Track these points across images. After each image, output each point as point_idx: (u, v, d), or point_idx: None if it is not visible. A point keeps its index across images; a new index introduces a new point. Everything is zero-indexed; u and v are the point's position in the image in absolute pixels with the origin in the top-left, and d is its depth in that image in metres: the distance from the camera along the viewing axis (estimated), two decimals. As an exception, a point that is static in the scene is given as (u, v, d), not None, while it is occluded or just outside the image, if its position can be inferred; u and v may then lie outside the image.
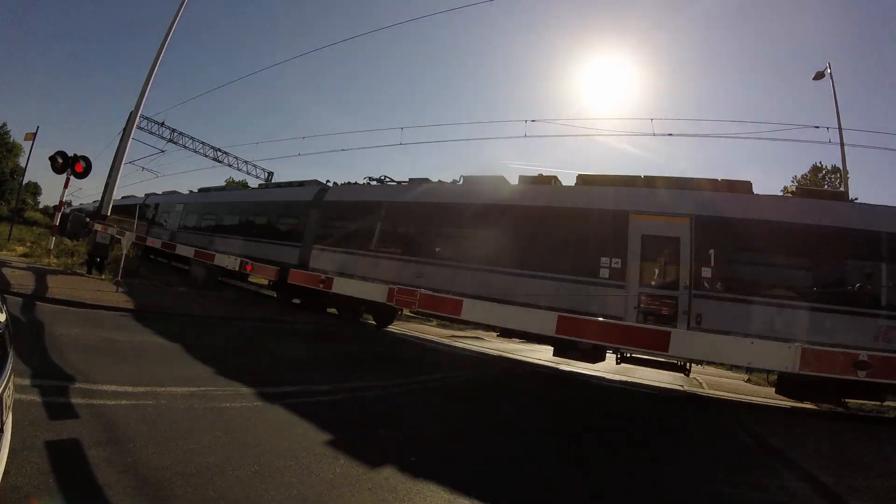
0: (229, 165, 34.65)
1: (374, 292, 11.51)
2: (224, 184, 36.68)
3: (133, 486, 2.69)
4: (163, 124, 30.72)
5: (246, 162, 34.89)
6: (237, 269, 13.31)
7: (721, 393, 14.17)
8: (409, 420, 5.63)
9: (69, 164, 14.56)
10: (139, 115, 19.01)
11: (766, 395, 14.48)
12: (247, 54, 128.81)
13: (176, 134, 31.48)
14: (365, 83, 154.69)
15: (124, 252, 13.11)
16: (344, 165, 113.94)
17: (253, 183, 35.39)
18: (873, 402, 12.48)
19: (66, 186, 15.72)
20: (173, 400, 4.52)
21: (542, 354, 14.62)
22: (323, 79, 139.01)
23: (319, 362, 8.58)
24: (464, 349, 15.61)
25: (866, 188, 69.74)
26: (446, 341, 17.12)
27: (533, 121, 29.56)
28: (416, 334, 17.37)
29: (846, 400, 13.14)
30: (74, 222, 28.86)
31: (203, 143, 33.15)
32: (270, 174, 35.61)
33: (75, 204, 45.66)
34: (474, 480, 3.82)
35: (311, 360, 8.69)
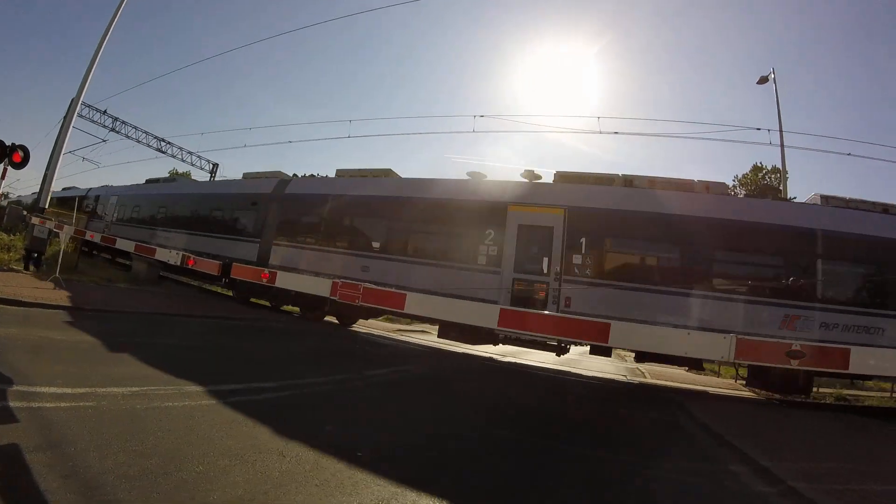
0: (173, 156, 33.76)
1: (318, 286, 11.57)
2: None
3: (76, 492, 2.69)
4: (105, 112, 29.59)
5: (190, 153, 34.02)
6: (178, 263, 13.07)
7: (664, 382, 14.74)
8: (355, 416, 5.70)
9: (6, 154, 13.85)
10: (80, 102, 18.28)
11: (706, 384, 15.17)
12: (193, 41, 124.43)
13: (118, 123, 30.37)
14: (313, 75, 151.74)
15: (62, 247, 12.67)
16: (293, 158, 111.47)
17: (197, 175, 34.56)
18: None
19: (2, 177, 14.97)
20: (114, 401, 4.46)
21: (486, 347, 14.88)
22: (271, 69, 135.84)
23: (265, 359, 8.51)
24: (410, 343, 15.74)
25: (804, 189, 73.54)
26: (393, 335, 17.18)
27: (482, 116, 29.77)
28: (364, 329, 17.38)
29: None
30: (11, 215, 27.43)
31: (146, 132, 32.09)
32: (215, 166, 34.79)
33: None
34: (421, 474, 3.93)
35: (256, 357, 8.63)
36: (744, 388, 14.34)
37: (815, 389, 13.51)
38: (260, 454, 3.74)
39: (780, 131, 18.76)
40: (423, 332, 20.72)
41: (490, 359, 13.80)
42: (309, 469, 3.60)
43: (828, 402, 13.62)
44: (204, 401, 5.00)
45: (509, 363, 13.81)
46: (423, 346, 15.43)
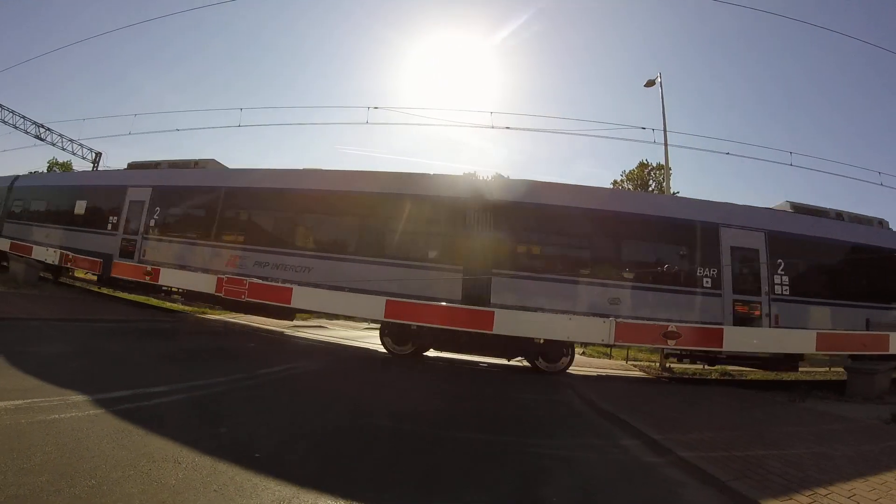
0: (52, 144, 30.94)
1: (202, 283, 11.29)
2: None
3: (-38, 517, 2.62)
4: (-24, 95, 26.82)
5: (71, 140, 31.41)
6: (56, 262, 12.22)
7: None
8: (251, 416, 5.72)
9: None
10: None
11: (600, 366, 16.21)
12: (79, 19, 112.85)
13: (-8, 106, 27.54)
14: (203, 60, 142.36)
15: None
16: (183, 146, 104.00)
17: (78, 165, 32.11)
18: (696, 366, 14.57)
19: None
20: (-4, 416, 4.25)
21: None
22: (159, 53, 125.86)
23: (155, 362, 8.22)
24: (306, 339, 15.67)
25: (688, 184, 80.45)
26: (288, 332, 16.96)
27: (376, 108, 29.85)
28: (259, 325, 17.07)
29: (670, 365, 15.19)
30: None
31: (24, 116, 29.25)
32: (98, 155, 32.39)
33: None
34: (320, 471, 4.07)
35: (146, 360, 8.32)
36: (634, 368, 15.46)
37: (701, 366, 14.90)
38: (154, 463, 3.70)
39: (665, 131, 20.33)
40: (318, 326, 20.60)
41: (384, 351, 14.00)
42: (206, 474, 3.60)
43: (713, 377, 14.95)
44: (92, 410, 4.86)
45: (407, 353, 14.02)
46: (318, 340, 15.42)
